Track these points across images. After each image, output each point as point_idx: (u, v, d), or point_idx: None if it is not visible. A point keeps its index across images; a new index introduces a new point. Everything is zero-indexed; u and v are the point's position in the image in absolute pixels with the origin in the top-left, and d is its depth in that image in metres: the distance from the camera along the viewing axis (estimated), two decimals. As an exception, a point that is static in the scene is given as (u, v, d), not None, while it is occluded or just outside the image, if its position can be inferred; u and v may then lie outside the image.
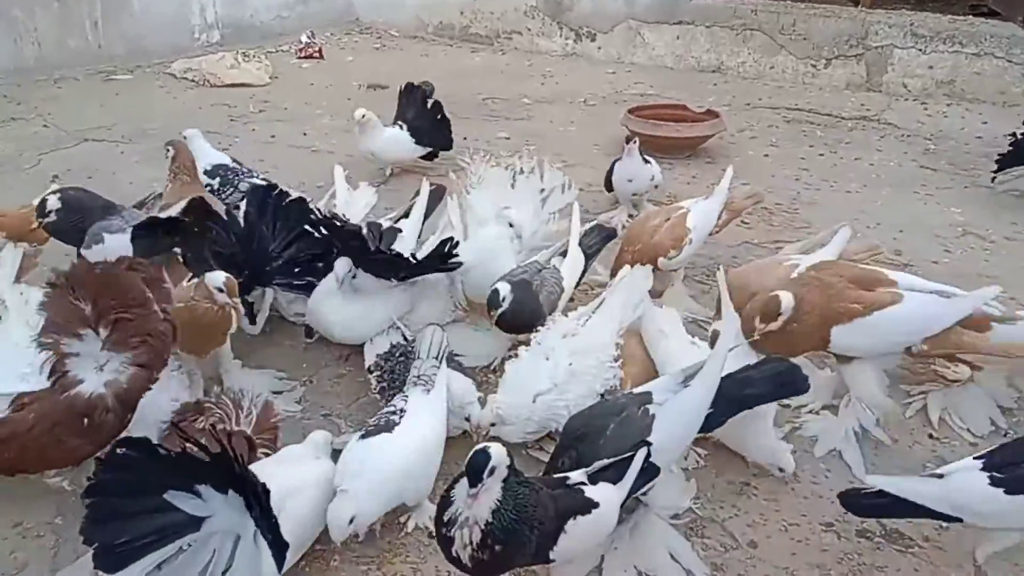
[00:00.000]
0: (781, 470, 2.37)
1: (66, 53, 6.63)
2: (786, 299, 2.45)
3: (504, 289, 2.67)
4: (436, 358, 2.48)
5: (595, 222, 3.29)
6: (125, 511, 1.73)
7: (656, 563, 2.10)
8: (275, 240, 2.98)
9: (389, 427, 2.19)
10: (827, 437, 2.56)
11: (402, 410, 2.26)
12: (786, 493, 2.36)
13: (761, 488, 2.37)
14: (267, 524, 1.76)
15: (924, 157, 5.09)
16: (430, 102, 4.52)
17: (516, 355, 2.57)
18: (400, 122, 4.58)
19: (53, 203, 3.02)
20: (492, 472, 1.71)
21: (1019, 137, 4.26)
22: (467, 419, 2.45)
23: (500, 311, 2.66)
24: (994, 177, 4.51)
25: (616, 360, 2.51)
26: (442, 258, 2.81)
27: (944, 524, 2.22)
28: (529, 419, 2.39)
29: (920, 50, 6.28)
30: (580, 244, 3.05)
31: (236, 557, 1.80)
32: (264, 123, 5.62)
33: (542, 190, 3.22)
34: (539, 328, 2.63)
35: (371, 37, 8.38)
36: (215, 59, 6.79)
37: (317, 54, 7.55)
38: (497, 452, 1.73)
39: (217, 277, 2.49)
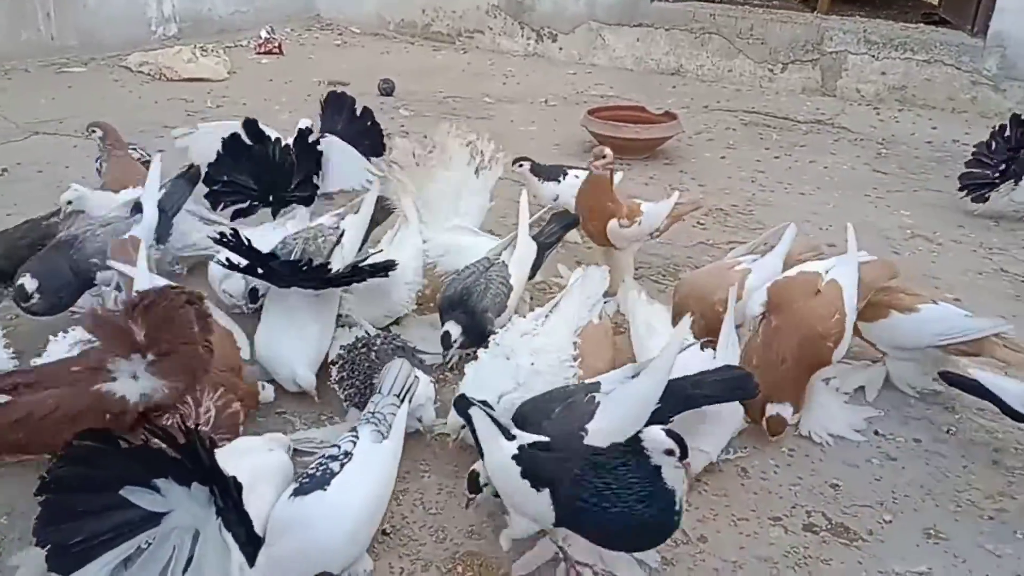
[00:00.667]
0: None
1: (17, 44, 6.48)
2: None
3: (455, 331, 2.70)
4: (398, 396, 2.21)
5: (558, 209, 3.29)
6: (80, 509, 1.69)
7: (607, 555, 2.11)
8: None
9: (325, 480, 1.92)
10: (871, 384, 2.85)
11: (346, 454, 1.99)
12: (736, 489, 2.40)
13: (712, 484, 2.41)
14: (238, 518, 1.73)
15: (876, 161, 5.21)
16: (359, 109, 4.13)
17: (475, 357, 2.55)
18: (327, 133, 4.04)
19: (31, 285, 2.76)
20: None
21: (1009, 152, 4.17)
22: (419, 419, 2.44)
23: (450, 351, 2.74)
24: (978, 196, 4.29)
25: (575, 359, 2.53)
26: (370, 269, 2.73)
27: (887, 518, 2.29)
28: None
29: (873, 56, 6.41)
30: (539, 234, 3.06)
31: (198, 553, 1.75)
32: (221, 118, 5.54)
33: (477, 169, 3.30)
34: (495, 331, 2.65)
35: (332, 34, 8.33)
36: (172, 53, 6.69)
37: (276, 49, 7.48)
38: None
39: None
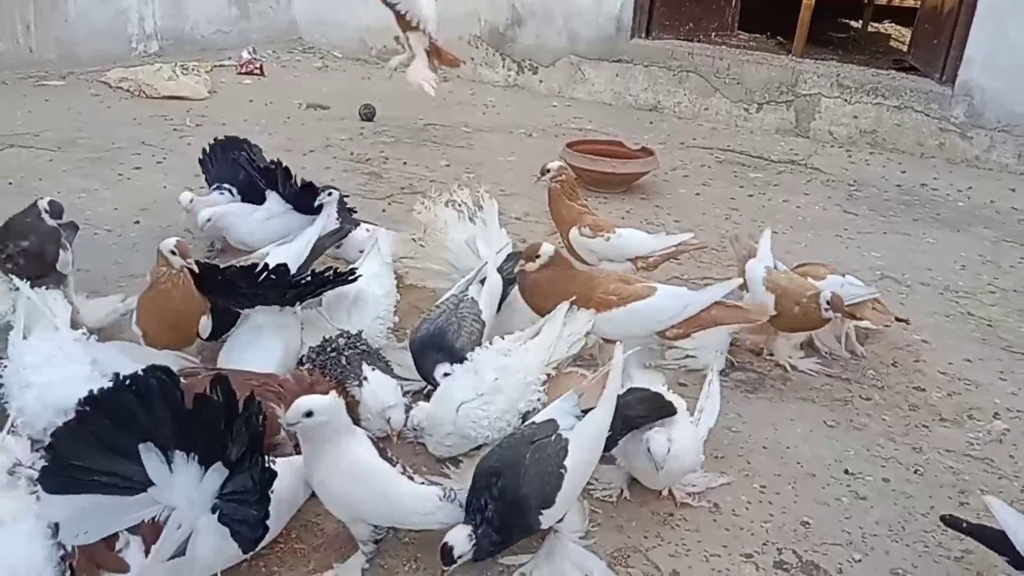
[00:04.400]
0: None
1: (-5, 56, 6.44)
2: (546, 248, 2.76)
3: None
4: None
5: (512, 248, 3.29)
6: (99, 436, 1.67)
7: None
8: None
9: None
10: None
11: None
12: (708, 524, 2.41)
13: (685, 519, 2.42)
14: (259, 503, 1.77)
15: (847, 202, 5.31)
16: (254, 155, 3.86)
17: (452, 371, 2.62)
18: (222, 184, 3.82)
19: None
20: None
21: None
22: (388, 421, 2.47)
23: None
24: None
25: (542, 384, 2.57)
26: (333, 277, 2.78)
27: (856, 557, 2.32)
28: (451, 431, 2.46)
29: (846, 100, 6.56)
30: (499, 270, 3.06)
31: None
32: (201, 137, 5.50)
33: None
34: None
35: (313, 57, 8.36)
36: (152, 70, 6.66)
37: (258, 70, 7.48)
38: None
39: (167, 242, 2.59)
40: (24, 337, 2.47)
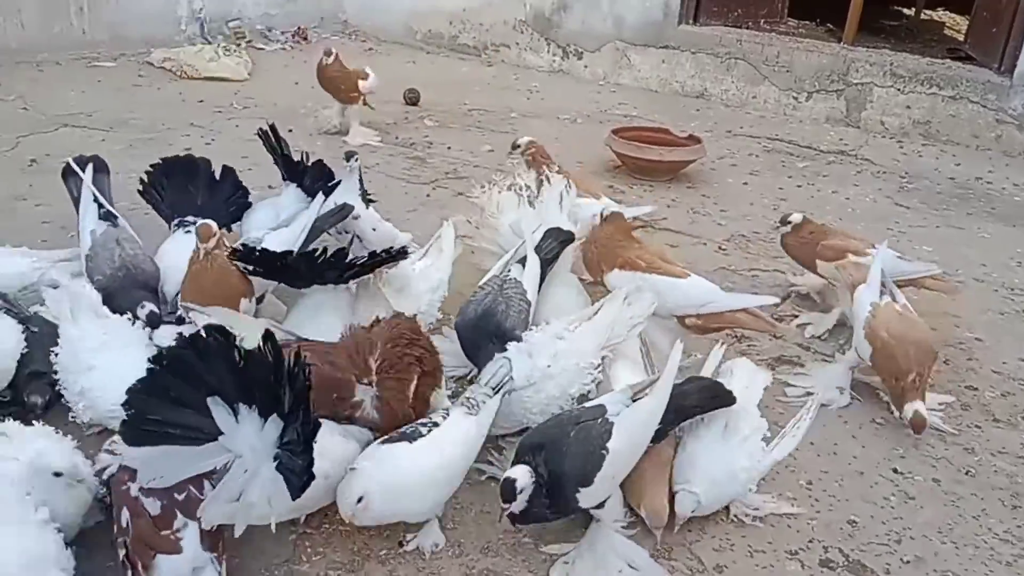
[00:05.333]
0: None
1: (49, 37, 6.54)
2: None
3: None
4: (493, 388, 2.41)
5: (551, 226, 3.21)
6: (172, 392, 1.78)
7: (617, 573, 2.14)
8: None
9: (412, 437, 2.17)
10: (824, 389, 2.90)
11: (435, 424, 2.22)
12: (753, 521, 2.39)
13: (728, 514, 2.39)
14: (306, 453, 1.84)
15: (899, 195, 5.20)
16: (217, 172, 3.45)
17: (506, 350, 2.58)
18: (184, 219, 3.23)
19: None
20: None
21: None
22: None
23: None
24: None
25: (596, 367, 2.55)
26: (385, 255, 2.79)
27: (905, 558, 2.28)
28: (504, 413, 2.47)
29: (899, 90, 6.41)
30: (538, 249, 3.02)
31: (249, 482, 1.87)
32: (247, 120, 5.58)
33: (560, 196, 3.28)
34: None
35: (359, 41, 8.37)
36: (193, 51, 6.73)
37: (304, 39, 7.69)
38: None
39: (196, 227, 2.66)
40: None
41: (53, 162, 4.37)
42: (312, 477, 1.88)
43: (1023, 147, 6.05)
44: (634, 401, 2.23)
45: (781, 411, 2.83)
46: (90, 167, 3.20)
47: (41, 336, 2.54)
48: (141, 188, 3.37)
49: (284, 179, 3.53)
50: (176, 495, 1.85)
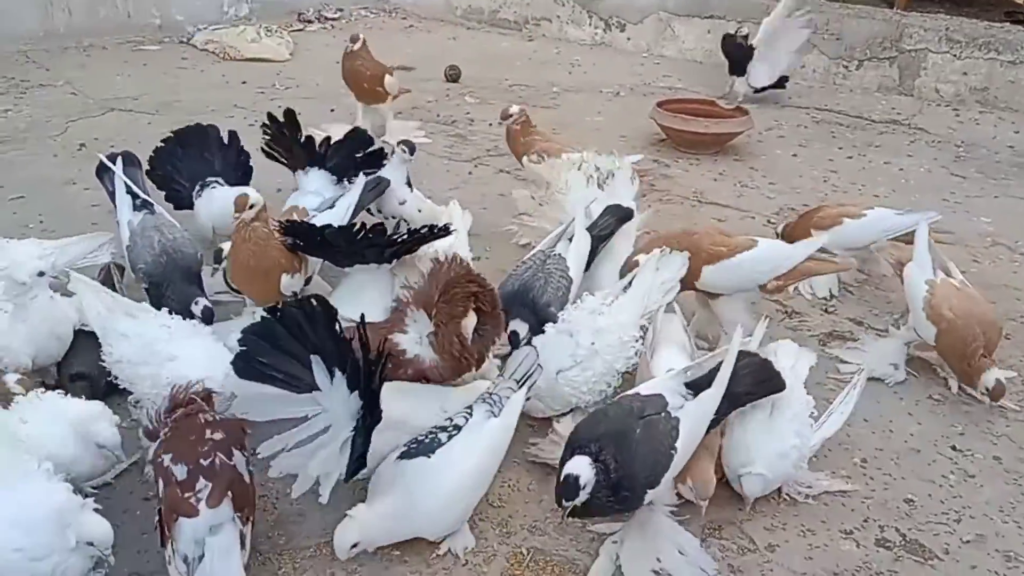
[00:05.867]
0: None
1: (96, 21, 6.63)
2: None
3: (522, 330, 2.65)
4: (518, 382, 2.32)
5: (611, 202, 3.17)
6: (280, 342, 1.93)
7: (667, 559, 2.11)
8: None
9: (431, 448, 2.08)
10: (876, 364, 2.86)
11: (456, 427, 2.13)
12: (805, 498, 2.34)
13: (781, 493, 2.35)
14: (365, 437, 1.96)
15: (954, 164, 5.03)
16: (225, 137, 3.54)
17: (543, 331, 2.57)
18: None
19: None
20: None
21: None
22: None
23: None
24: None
25: (638, 340, 2.52)
26: (429, 232, 2.76)
27: (965, 537, 2.21)
28: (548, 395, 2.46)
29: (955, 55, 6.19)
30: (593, 226, 2.99)
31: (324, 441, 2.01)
32: (290, 100, 5.59)
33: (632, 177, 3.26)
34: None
35: (399, 18, 8.34)
36: (235, 32, 6.77)
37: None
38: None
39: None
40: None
41: (102, 146, 4.44)
42: (363, 465, 1.97)
43: (1087, 113, 5.81)
44: (689, 387, 2.18)
45: (832, 388, 2.76)
46: (119, 160, 3.22)
47: (79, 337, 2.57)
48: (150, 167, 3.38)
49: (307, 166, 3.45)
50: (202, 461, 1.91)
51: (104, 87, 5.58)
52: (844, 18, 6.57)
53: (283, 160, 3.53)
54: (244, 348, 1.94)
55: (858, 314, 3.28)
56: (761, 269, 2.77)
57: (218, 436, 1.97)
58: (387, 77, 4.88)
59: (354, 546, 1.99)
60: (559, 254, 2.88)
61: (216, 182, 3.36)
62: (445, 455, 2.06)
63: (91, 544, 1.84)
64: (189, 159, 3.42)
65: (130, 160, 3.28)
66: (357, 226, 2.67)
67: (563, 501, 1.97)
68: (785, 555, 2.15)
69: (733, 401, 2.23)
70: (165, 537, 1.87)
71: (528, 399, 2.34)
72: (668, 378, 2.24)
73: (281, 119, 3.45)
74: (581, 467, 1.96)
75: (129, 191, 3.11)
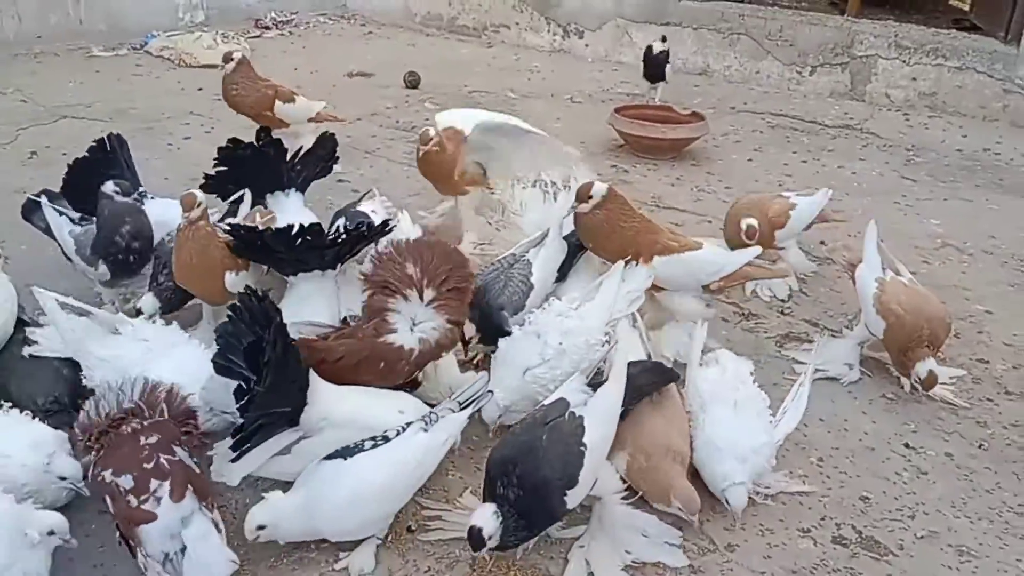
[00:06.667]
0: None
1: (46, 28, 6.52)
2: (598, 187, 2.75)
3: (468, 331, 2.66)
4: (461, 404, 2.31)
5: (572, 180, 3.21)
6: (245, 337, 2.05)
7: (634, 548, 2.15)
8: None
9: (352, 452, 2.08)
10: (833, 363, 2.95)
11: (385, 438, 2.12)
12: (764, 499, 2.37)
13: (739, 492, 2.38)
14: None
15: (905, 168, 5.15)
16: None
17: (509, 333, 2.60)
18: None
19: None
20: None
21: None
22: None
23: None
24: None
25: (603, 344, 2.54)
26: (369, 231, 2.74)
27: (919, 533, 2.26)
28: (517, 395, 2.47)
29: (904, 61, 6.33)
30: (572, 233, 2.96)
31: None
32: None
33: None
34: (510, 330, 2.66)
35: (357, 24, 8.31)
36: (191, 39, 6.70)
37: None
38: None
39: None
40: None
41: (54, 154, 4.38)
42: (241, 446, 2.06)
43: (1031, 117, 5.98)
44: (591, 387, 2.21)
45: (787, 388, 2.80)
46: (44, 198, 3.08)
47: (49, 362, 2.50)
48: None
49: (279, 189, 3.20)
50: (146, 465, 1.92)
51: (55, 94, 5.49)
52: (797, 25, 6.70)
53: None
54: (219, 346, 2.03)
55: (813, 315, 3.34)
56: (707, 270, 2.83)
57: (153, 439, 1.99)
58: (278, 104, 4.00)
59: (260, 528, 1.98)
60: (527, 259, 2.90)
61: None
62: (360, 461, 2.06)
63: (63, 479, 2.05)
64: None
65: (53, 196, 3.13)
66: (295, 228, 2.60)
67: (474, 551, 1.97)
68: (744, 554, 2.18)
69: (637, 392, 2.28)
70: (132, 549, 1.88)
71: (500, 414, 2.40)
72: (570, 381, 2.27)
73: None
74: (484, 518, 1.95)
75: (62, 214, 3.03)
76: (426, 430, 2.16)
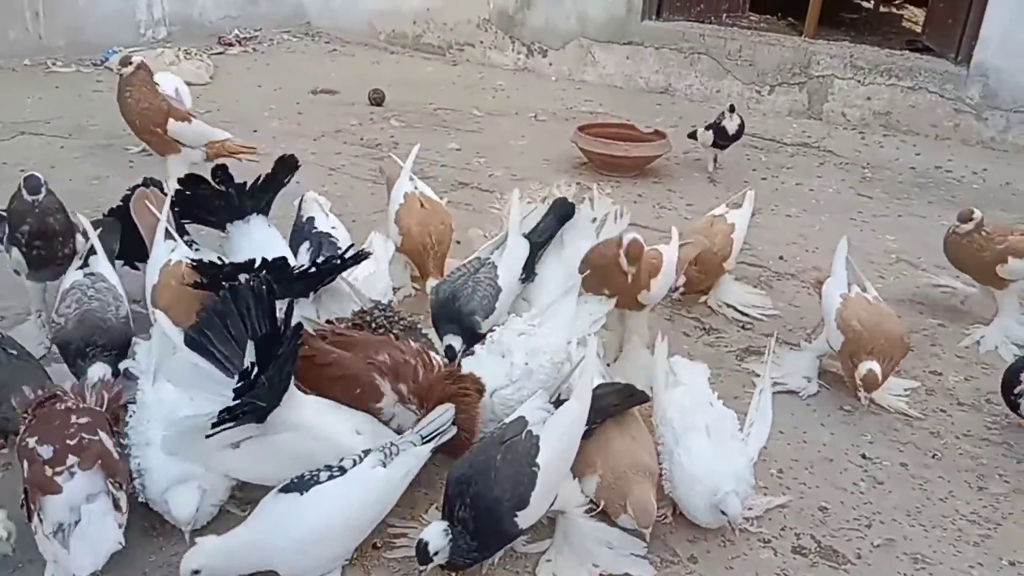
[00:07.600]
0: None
1: (5, 43, 6.42)
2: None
3: (457, 344, 2.70)
4: (423, 438, 2.21)
5: (554, 197, 3.17)
6: (231, 322, 2.10)
7: (601, 560, 2.17)
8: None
9: (308, 485, 2.01)
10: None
11: (341, 469, 2.06)
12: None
13: (701, 504, 2.41)
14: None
15: (861, 185, 5.27)
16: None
17: (472, 352, 2.61)
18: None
19: None
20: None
21: None
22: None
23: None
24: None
25: (563, 363, 2.57)
26: (342, 262, 2.74)
27: (876, 542, 2.31)
28: (487, 415, 2.46)
29: (859, 81, 6.50)
30: (534, 231, 3.02)
31: None
32: (209, 123, 5.52)
33: (594, 219, 3.17)
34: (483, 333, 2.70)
35: (322, 42, 8.32)
36: (153, 55, 6.63)
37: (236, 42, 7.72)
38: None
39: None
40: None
41: (12, 170, 4.31)
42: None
43: (980, 136, 6.17)
44: (555, 404, 2.21)
45: (748, 402, 2.85)
46: None
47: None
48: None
49: (243, 215, 3.06)
50: (69, 441, 1.98)
51: (14, 110, 5.41)
52: (756, 45, 6.84)
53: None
54: (200, 322, 2.08)
55: (772, 330, 3.40)
56: (672, 275, 2.97)
57: (83, 420, 2.05)
58: (171, 121, 3.69)
59: (196, 573, 1.91)
60: (492, 261, 2.92)
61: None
62: (316, 495, 1.99)
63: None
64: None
65: None
66: (258, 262, 2.54)
67: (420, 564, 1.98)
68: (707, 566, 2.21)
69: (601, 412, 2.26)
70: (31, 512, 1.94)
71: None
72: (532, 399, 2.28)
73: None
74: (432, 534, 1.96)
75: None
76: (385, 464, 2.09)
